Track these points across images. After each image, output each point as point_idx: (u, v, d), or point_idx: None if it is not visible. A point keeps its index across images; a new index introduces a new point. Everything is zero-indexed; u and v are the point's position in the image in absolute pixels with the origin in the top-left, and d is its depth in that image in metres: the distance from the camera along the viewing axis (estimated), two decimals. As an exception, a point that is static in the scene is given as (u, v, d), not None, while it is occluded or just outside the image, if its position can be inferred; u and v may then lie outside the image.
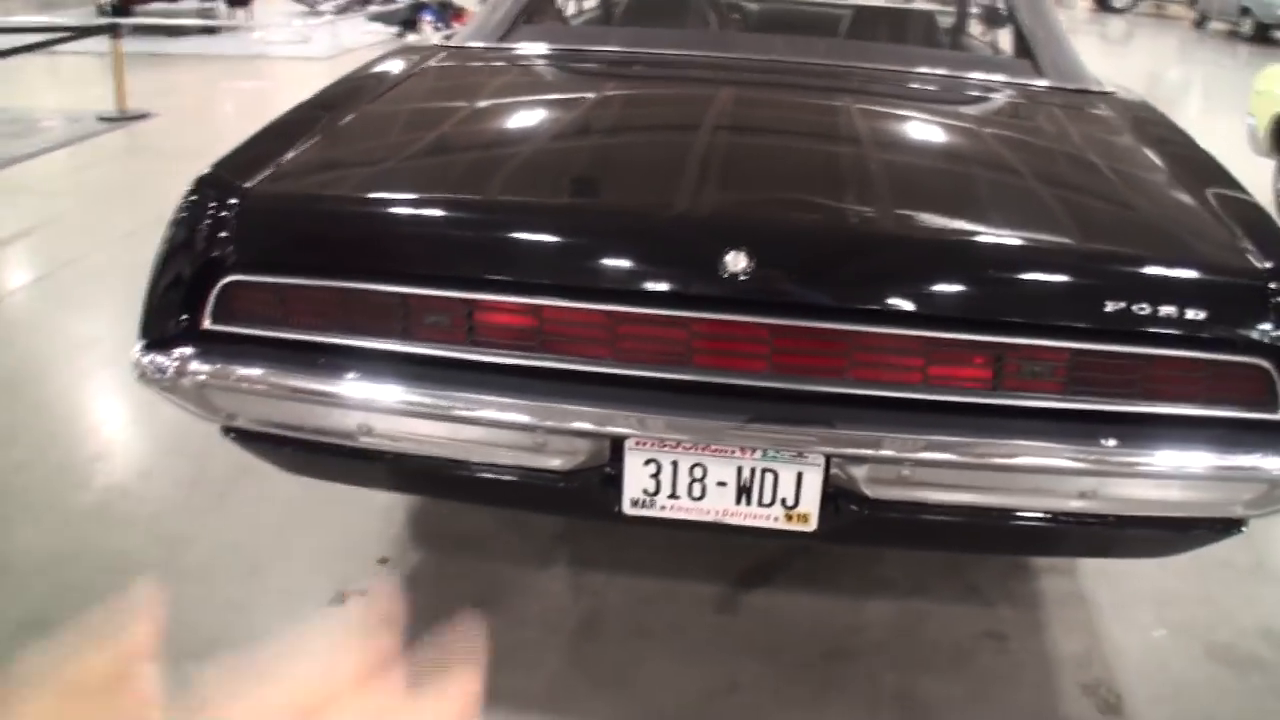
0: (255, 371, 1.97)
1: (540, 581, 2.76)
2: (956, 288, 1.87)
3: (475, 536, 2.93)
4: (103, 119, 8.12)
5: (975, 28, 4.63)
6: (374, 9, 13.90)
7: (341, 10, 14.06)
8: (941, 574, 2.84)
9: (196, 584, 2.72)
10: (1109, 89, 2.91)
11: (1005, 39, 3.77)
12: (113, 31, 8.15)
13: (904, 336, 1.84)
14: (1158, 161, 2.37)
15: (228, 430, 2.16)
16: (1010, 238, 2.00)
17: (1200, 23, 21.20)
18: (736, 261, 1.80)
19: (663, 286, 1.87)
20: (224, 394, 2.01)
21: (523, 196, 2.12)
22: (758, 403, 1.87)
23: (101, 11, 12.57)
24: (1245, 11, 19.24)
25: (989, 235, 2.01)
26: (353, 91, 2.68)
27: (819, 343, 1.87)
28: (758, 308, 1.84)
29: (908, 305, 1.84)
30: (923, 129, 2.72)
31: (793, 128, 2.61)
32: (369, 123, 2.47)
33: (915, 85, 2.95)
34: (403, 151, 2.31)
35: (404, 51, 3.18)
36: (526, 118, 2.63)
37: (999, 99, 2.86)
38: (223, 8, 14.57)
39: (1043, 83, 2.90)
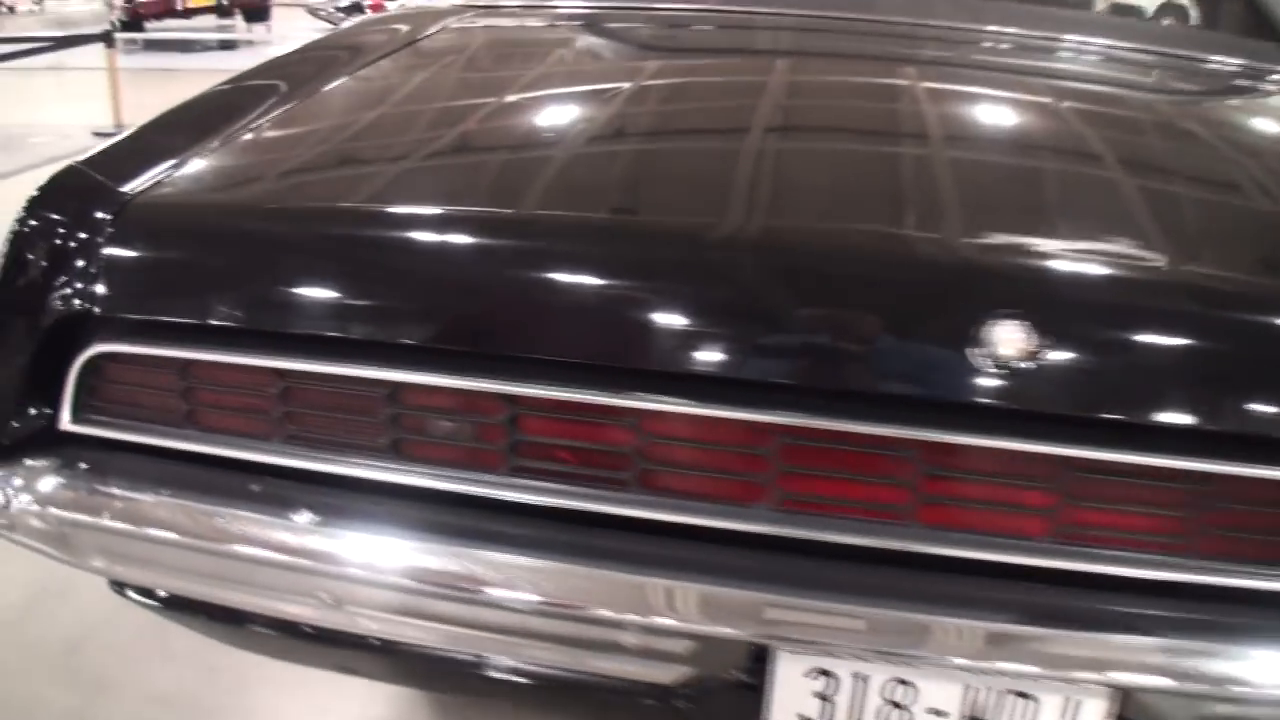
0: (147, 501, 1.17)
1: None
2: None
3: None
4: (97, 134, 7.43)
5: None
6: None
7: (366, 28, 13.45)
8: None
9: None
10: None
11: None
12: (107, 40, 7.42)
13: None
14: None
15: (119, 587, 1.36)
16: None
17: None
18: (1009, 340, 0.98)
19: (867, 381, 1.05)
20: (100, 537, 1.21)
21: (616, 216, 1.24)
22: (1024, 590, 1.07)
23: (113, 27, 12.09)
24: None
25: None
26: (323, 61, 1.79)
27: (1152, 491, 1.05)
28: (1045, 427, 1.02)
29: None
30: (1219, 128, 1.75)
31: (1030, 132, 1.61)
32: (345, 104, 1.60)
33: (1159, 71, 2.04)
34: (397, 148, 1.42)
35: (412, 14, 2.17)
36: (603, 100, 1.65)
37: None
38: (240, 23, 13.97)
39: None
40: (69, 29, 13.80)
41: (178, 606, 1.35)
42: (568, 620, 1.11)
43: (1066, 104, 1.70)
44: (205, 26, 13.54)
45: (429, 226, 1.17)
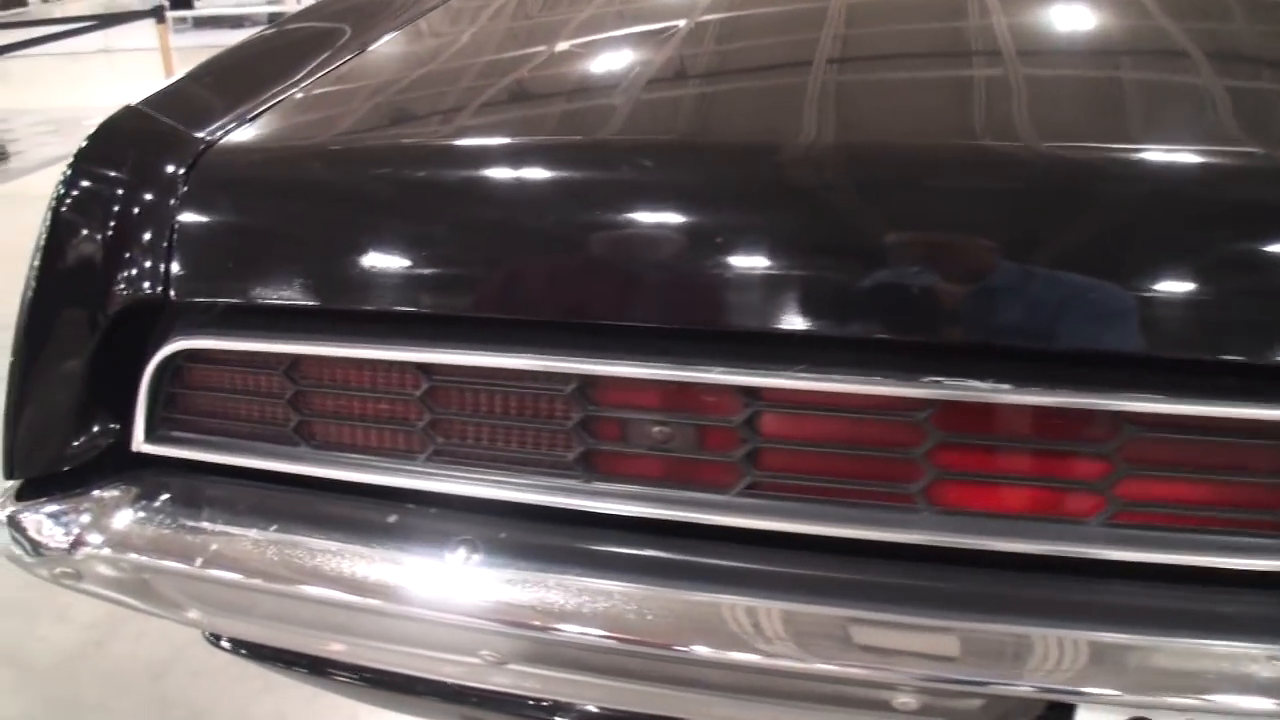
0: (251, 539, 0.90)
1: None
2: None
3: None
4: (152, 114, 7.26)
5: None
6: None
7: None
8: None
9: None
10: None
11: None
12: (158, 16, 7.21)
13: None
14: None
15: (215, 640, 1.10)
16: None
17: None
18: None
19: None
20: (193, 585, 0.94)
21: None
22: None
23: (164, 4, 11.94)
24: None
25: None
26: None
27: None
28: None
29: None
30: None
31: None
32: (450, 35, 1.29)
33: None
34: (542, 84, 1.08)
35: None
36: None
37: None
38: (292, -1, 13.77)
39: None
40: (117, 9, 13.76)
41: (276, 658, 1.09)
42: (821, 680, 0.82)
43: None
44: (254, 0, 13.32)
45: (636, 163, 0.86)
